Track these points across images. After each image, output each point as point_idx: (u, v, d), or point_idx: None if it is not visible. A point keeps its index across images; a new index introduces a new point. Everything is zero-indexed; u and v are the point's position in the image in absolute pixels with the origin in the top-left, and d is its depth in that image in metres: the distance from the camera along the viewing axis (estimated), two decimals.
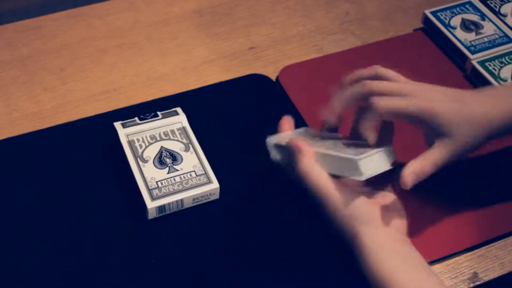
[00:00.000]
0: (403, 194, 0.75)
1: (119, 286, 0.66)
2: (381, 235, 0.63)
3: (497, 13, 0.94)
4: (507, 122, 0.67)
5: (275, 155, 0.71)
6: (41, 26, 0.94)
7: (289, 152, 0.68)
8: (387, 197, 0.67)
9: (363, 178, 0.63)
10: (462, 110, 0.65)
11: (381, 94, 0.66)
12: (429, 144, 0.66)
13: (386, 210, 0.65)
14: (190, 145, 0.76)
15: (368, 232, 0.63)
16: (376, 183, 0.68)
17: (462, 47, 0.89)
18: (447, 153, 0.65)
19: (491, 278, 0.69)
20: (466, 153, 0.66)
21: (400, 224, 0.65)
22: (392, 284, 0.61)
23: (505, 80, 0.85)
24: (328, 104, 0.69)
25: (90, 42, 0.92)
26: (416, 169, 0.64)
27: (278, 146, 0.70)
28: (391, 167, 0.66)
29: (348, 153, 0.65)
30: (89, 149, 0.78)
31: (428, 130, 0.66)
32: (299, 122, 0.75)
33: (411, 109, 0.65)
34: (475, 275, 0.69)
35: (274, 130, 0.72)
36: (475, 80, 0.87)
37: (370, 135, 0.66)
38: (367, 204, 0.64)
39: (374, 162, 0.65)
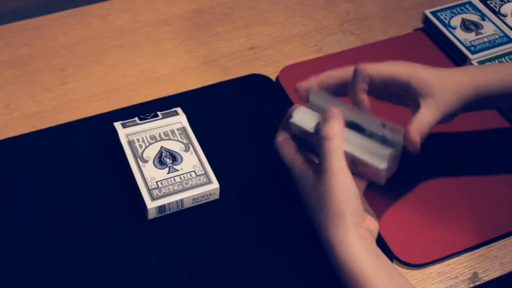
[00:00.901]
0: (401, 193, 0.75)
1: (119, 286, 0.66)
2: (362, 232, 0.64)
3: (497, 13, 0.94)
4: (479, 94, 0.70)
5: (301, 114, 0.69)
6: (41, 26, 0.94)
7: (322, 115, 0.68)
8: (364, 203, 0.69)
9: (383, 167, 0.65)
10: (438, 74, 0.70)
11: None
12: (414, 110, 0.69)
13: (368, 213, 0.67)
14: (190, 145, 0.76)
15: (352, 225, 0.63)
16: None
17: (462, 47, 0.89)
18: (435, 112, 0.68)
19: (491, 278, 0.69)
20: (448, 115, 0.69)
21: (375, 231, 0.67)
22: (366, 281, 0.61)
23: None
24: (308, 78, 0.72)
25: (90, 42, 0.92)
26: (419, 128, 0.66)
27: (314, 106, 0.69)
28: (394, 171, 0.68)
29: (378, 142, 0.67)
30: (89, 149, 0.78)
31: (412, 93, 0.69)
32: None
33: (398, 72, 0.69)
34: (475, 275, 0.69)
35: (274, 130, 0.72)
36: None
37: (365, 98, 0.69)
38: (360, 200, 0.65)
39: (393, 160, 0.66)
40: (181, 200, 0.71)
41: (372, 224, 0.66)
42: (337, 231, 0.64)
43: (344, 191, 0.64)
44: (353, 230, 0.63)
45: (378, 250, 0.64)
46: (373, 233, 0.66)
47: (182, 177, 0.72)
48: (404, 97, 0.71)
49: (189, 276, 0.67)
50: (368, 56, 0.91)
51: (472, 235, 0.72)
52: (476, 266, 0.70)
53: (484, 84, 0.71)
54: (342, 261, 0.63)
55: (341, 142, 0.65)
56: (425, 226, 0.72)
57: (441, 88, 0.69)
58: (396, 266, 0.70)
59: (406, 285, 0.62)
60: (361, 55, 0.91)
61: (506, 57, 0.88)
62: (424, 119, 0.67)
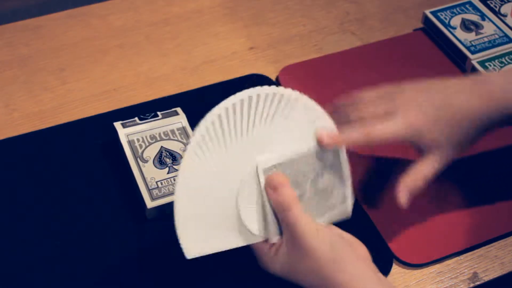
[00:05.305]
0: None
1: (119, 285, 0.66)
2: (365, 270, 0.59)
3: (497, 13, 0.94)
4: (495, 115, 0.66)
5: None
6: (41, 26, 0.94)
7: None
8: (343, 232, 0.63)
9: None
10: (448, 114, 0.65)
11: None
12: (419, 152, 0.66)
13: (356, 244, 0.62)
14: None
15: (355, 271, 0.59)
16: None
17: (462, 47, 0.89)
18: (438, 164, 0.66)
19: (491, 278, 0.69)
20: (458, 155, 0.67)
21: (367, 254, 0.62)
22: None
23: None
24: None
25: (90, 42, 0.92)
26: (409, 185, 0.65)
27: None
28: None
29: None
30: (89, 149, 0.78)
31: (417, 145, 0.66)
32: None
33: (400, 133, 0.65)
34: (475, 275, 0.69)
35: None
36: None
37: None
38: (344, 242, 0.60)
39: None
40: None
41: (362, 250, 0.62)
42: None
43: (326, 253, 0.58)
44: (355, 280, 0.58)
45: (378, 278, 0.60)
46: (367, 256, 0.62)
47: None
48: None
49: (189, 276, 0.67)
50: (368, 56, 0.91)
51: (472, 235, 0.72)
52: (476, 266, 0.70)
53: (504, 102, 0.66)
54: None
55: (299, 207, 0.59)
56: (425, 226, 0.72)
57: (451, 133, 0.65)
58: (396, 266, 0.70)
59: None
60: (361, 55, 0.91)
61: (506, 57, 0.88)
62: (420, 172, 0.65)
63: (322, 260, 0.58)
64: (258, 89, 0.59)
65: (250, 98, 0.59)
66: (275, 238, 0.61)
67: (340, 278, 0.58)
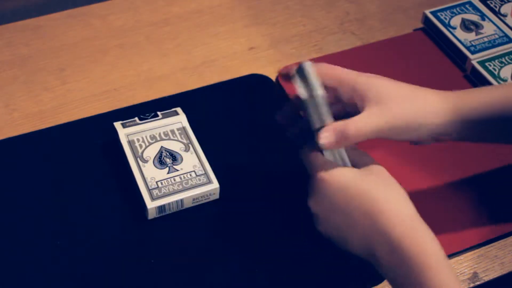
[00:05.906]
0: None
1: (119, 286, 0.66)
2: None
3: (497, 13, 0.94)
4: (461, 117, 0.65)
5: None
6: (41, 26, 0.94)
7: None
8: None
9: None
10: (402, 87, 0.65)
11: None
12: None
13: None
14: (190, 145, 0.76)
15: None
16: None
17: (462, 47, 0.89)
18: (376, 121, 0.61)
19: (491, 278, 0.69)
20: (400, 131, 0.63)
21: None
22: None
23: (505, 80, 0.85)
24: None
25: (90, 42, 0.92)
26: (337, 128, 0.61)
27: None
28: None
29: None
30: (89, 149, 0.78)
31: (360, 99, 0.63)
32: None
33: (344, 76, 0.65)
34: (475, 275, 0.69)
35: (274, 129, 0.72)
36: (475, 80, 0.87)
37: None
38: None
39: None
40: (181, 200, 0.71)
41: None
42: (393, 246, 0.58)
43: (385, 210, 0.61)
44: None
45: None
46: None
47: (182, 177, 0.72)
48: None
49: (189, 276, 0.67)
50: (368, 56, 0.91)
51: (472, 235, 0.72)
52: (476, 266, 0.70)
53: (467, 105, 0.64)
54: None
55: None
56: None
57: (397, 98, 0.62)
58: None
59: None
60: (361, 55, 0.91)
61: (506, 57, 0.88)
62: (356, 123, 0.61)
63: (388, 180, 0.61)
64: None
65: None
66: None
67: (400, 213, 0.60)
